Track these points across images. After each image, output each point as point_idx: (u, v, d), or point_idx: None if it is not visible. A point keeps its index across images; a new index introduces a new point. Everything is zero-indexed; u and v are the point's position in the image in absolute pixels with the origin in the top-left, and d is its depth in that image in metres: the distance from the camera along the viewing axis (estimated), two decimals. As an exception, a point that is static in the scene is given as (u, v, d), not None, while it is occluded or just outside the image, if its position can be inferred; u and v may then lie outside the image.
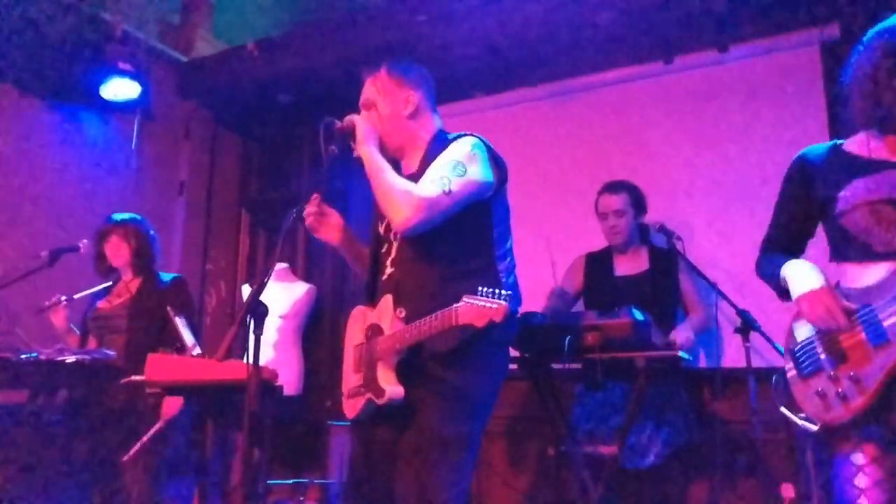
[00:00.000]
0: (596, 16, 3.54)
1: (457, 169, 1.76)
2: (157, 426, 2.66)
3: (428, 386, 1.75)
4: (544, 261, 3.15)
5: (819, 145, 1.71)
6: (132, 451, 2.59)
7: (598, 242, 3.22)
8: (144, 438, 2.61)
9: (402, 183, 1.79)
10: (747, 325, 2.55)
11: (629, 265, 3.10)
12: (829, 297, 1.53)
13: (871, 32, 1.62)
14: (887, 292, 1.48)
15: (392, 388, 1.73)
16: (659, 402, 2.82)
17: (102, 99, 3.86)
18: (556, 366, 2.88)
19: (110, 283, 3.13)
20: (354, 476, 1.93)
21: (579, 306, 3.25)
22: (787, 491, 2.84)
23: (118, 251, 3.05)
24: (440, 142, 1.92)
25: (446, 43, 3.83)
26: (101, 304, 3.07)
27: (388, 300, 1.82)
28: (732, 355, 3.09)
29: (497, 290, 1.55)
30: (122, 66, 3.81)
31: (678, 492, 2.98)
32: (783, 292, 1.66)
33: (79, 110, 3.92)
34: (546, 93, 3.96)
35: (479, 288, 1.57)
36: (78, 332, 3.10)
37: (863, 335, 1.49)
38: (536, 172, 3.87)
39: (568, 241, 3.52)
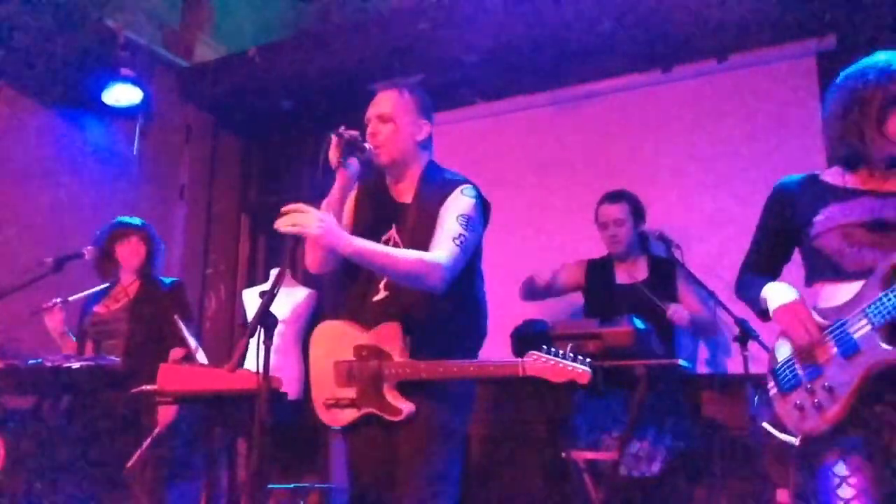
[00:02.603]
0: (596, 25, 3.58)
1: (469, 224, 1.90)
2: (155, 432, 2.69)
3: (422, 393, 1.88)
4: (541, 268, 3.19)
5: (796, 175, 1.82)
6: (133, 459, 2.61)
7: (597, 250, 3.26)
8: (144, 445, 2.63)
9: (415, 255, 1.84)
10: (746, 333, 2.58)
11: (629, 274, 3.13)
12: (802, 309, 1.64)
13: (842, 75, 1.71)
14: (857, 306, 1.57)
15: (406, 406, 1.87)
16: (660, 408, 2.84)
17: (104, 104, 3.88)
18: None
19: (106, 285, 3.14)
20: (357, 478, 1.99)
21: (577, 313, 3.29)
22: (783, 496, 2.88)
23: (136, 253, 3.09)
24: (435, 176, 2.01)
25: (448, 50, 3.87)
26: (98, 308, 3.07)
27: (395, 328, 1.89)
28: (732, 363, 3.12)
29: (576, 355, 1.76)
30: (124, 71, 3.83)
31: (676, 497, 3.01)
32: (763, 313, 1.76)
33: (81, 115, 3.94)
34: (546, 100, 3.99)
35: (544, 346, 1.78)
36: (73, 337, 3.09)
37: (834, 349, 1.59)
38: (535, 180, 3.91)
39: (566, 248, 3.54)
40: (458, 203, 1.92)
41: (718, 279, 3.11)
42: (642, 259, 3.16)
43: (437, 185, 1.98)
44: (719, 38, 3.54)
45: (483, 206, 1.99)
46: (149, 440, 2.56)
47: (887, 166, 1.65)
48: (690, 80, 3.67)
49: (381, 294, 1.96)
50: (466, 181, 1.99)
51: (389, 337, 1.89)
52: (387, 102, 2.00)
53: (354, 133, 1.92)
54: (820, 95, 3.35)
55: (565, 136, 3.91)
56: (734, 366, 3.04)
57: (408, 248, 1.93)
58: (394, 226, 2.00)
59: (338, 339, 1.98)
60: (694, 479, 3.07)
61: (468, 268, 1.94)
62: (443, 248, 1.85)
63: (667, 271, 3.10)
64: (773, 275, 1.83)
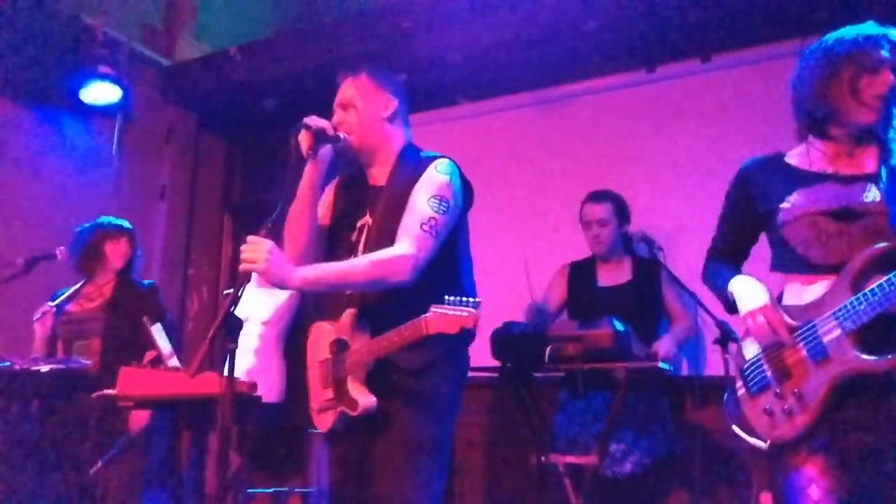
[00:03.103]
0: (580, 25, 3.55)
1: (441, 206, 1.79)
2: (125, 438, 2.65)
3: (398, 396, 1.79)
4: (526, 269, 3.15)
5: (761, 157, 1.74)
6: (98, 464, 2.57)
7: (581, 251, 3.23)
8: (110, 454, 2.59)
9: (367, 262, 1.75)
10: (726, 335, 2.56)
11: (612, 275, 3.11)
12: (773, 314, 1.57)
13: (812, 46, 1.66)
14: (827, 308, 1.52)
15: (365, 398, 1.76)
16: (641, 411, 2.82)
17: (83, 103, 3.83)
18: (537, 374, 2.88)
19: (78, 285, 3.10)
20: (335, 486, 1.94)
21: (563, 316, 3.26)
22: (766, 499, 2.86)
23: (124, 255, 3.11)
24: (410, 157, 1.92)
25: (431, 50, 3.83)
26: (71, 307, 3.03)
27: (351, 314, 1.83)
28: (715, 364, 3.10)
29: (464, 298, 1.57)
30: (102, 69, 3.77)
31: (658, 501, 2.99)
32: (730, 305, 1.70)
33: (59, 114, 3.88)
34: (530, 100, 3.97)
35: (446, 297, 1.59)
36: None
37: (804, 352, 1.54)
38: (519, 180, 3.88)
39: (550, 249, 3.52)
40: (431, 182, 1.81)
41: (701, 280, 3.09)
42: (626, 259, 3.14)
43: (412, 164, 1.88)
44: (703, 38, 3.53)
45: (462, 184, 1.87)
46: (113, 450, 2.51)
47: (854, 138, 1.59)
48: (675, 81, 3.65)
49: None
50: (443, 157, 1.88)
51: (346, 326, 1.83)
52: (346, 89, 1.96)
53: (325, 123, 1.85)
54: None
55: (550, 136, 3.89)
56: (716, 368, 3.02)
57: (378, 232, 1.84)
58: (368, 211, 1.92)
59: (321, 340, 1.94)
60: (675, 481, 3.05)
61: (447, 251, 1.83)
62: (408, 237, 1.75)
63: (650, 273, 3.07)
64: (740, 260, 1.79)
